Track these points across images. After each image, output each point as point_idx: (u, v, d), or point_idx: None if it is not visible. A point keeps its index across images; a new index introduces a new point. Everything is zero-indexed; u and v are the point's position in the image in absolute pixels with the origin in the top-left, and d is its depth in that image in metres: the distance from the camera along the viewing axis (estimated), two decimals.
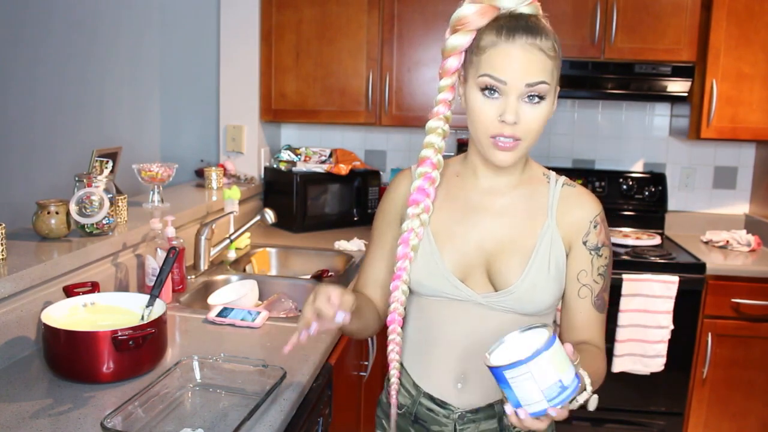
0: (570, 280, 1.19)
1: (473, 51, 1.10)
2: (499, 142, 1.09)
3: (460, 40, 1.11)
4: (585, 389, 1.00)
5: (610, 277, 1.22)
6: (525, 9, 1.09)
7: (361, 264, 1.35)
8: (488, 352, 0.95)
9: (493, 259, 1.18)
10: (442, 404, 1.24)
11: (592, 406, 1.05)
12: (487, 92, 1.08)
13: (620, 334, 2.61)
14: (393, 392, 1.27)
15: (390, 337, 1.23)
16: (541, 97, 1.08)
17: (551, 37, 1.08)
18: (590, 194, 1.23)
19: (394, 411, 1.28)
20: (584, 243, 1.18)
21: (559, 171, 1.29)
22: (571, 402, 0.99)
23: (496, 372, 0.92)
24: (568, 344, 0.95)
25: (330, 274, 2.35)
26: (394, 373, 1.26)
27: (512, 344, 0.95)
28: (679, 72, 2.81)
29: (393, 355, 1.24)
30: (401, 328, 1.23)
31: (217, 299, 1.93)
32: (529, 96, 1.07)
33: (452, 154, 3.16)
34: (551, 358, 0.90)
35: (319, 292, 1.07)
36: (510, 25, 1.07)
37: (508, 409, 0.94)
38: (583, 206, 1.20)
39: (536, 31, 1.06)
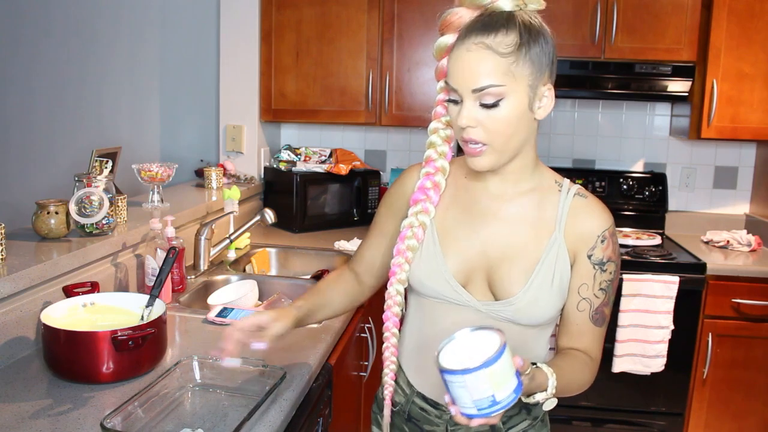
0: (571, 291, 1.16)
1: None
2: (468, 147, 1.09)
3: (446, 41, 1.11)
4: (546, 390, 1.03)
5: (614, 291, 1.19)
6: (506, 5, 1.05)
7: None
8: (440, 347, 0.97)
9: (495, 266, 1.16)
10: (435, 404, 1.24)
11: (547, 407, 1.08)
12: (451, 96, 1.08)
13: (620, 334, 2.61)
14: (387, 392, 1.27)
15: (384, 335, 1.24)
16: (496, 100, 1.03)
17: (515, 31, 1.02)
18: (602, 206, 1.17)
19: (387, 411, 1.27)
20: (589, 257, 1.15)
21: (559, 171, 1.27)
22: (528, 396, 1.04)
23: (439, 370, 0.95)
24: (518, 357, 0.94)
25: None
26: (387, 372, 1.26)
27: (462, 342, 0.97)
28: (680, 72, 2.80)
29: (387, 354, 1.25)
30: (401, 324, 1.23)
31: (216, 299, 1.93)
32: (482, 101, 1.04)
33: (452, 154, 3.16)
34: (489, 375, 0.90)
35: (244, 326, 1.20)
36: (472, 24, 1.05)
37: (447, 398, 0.96)
38: (592, 219, 1.15)
39: (491, 28, 1.02)
